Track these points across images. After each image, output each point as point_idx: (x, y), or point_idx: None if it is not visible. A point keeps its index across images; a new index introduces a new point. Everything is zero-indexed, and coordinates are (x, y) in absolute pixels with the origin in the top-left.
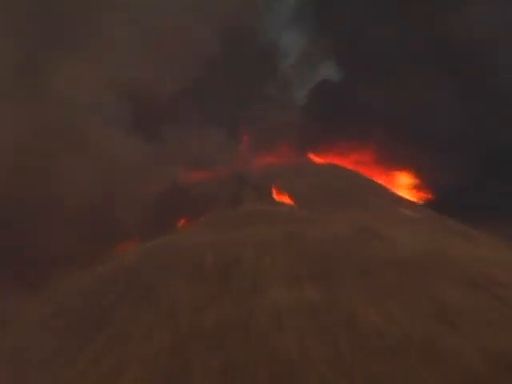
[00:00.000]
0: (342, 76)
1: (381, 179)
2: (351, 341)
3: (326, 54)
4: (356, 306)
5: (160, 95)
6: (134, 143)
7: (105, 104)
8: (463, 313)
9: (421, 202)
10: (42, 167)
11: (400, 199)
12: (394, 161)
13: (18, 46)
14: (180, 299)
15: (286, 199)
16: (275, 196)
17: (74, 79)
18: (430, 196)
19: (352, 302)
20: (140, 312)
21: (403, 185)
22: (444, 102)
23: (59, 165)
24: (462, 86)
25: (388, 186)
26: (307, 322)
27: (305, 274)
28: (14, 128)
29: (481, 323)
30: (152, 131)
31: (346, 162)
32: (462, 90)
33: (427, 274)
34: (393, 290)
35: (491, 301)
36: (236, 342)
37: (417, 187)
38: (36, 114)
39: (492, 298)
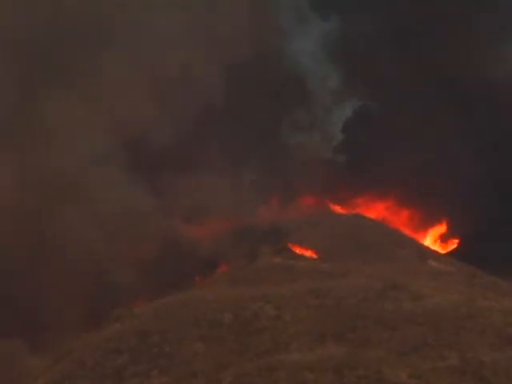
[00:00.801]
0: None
1: (407, 230)
2: None
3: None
4: (382, 362)
5: (163, 138)
6: (136, 194)
7: (104, 150)
8: (493, 368)
9: (448, 253)
10: (42, 219)
11: (427, 250)
12: (421, 211)
13: (16, 86)
14: (197, 358)
15: (307, 252)
16: (295, 249)
17: (72, 122)
18: (458, 247)
19: (377, 358)
20: (155, 372)
21: (430, 235)
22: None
23: (58, 217)
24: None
25: (415, 237)
26: (332, 379)
27: (328, 331)
28: (12, 178)
29: (511, 378)
30: (157, 179)
31: (371, 213)
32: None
33: (455, 329)
34: (419, 345)
35: None
36: None
37: (444, 237)
38: (34, 164)
39: None
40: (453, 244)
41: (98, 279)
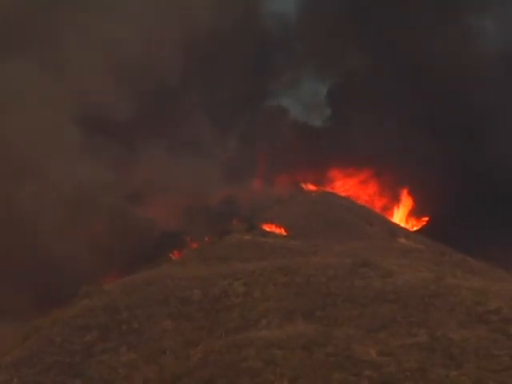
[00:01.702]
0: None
1: (377, 207)
2: (346, 374)
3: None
4: (351, 340)
5: (122, 113)
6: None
7: (57, 124)
8: (462, 345)
9: (418, 230)
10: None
11: (397, 228)
12: (391, 189)
13: None
14: (166, 334)
15: (277, 230)
16: (265, 226)
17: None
18: (427, 224)
19: (347, 336)
20: (123, 348)
21: (400, 213)
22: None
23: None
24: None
25: (385, 215)
26: (301, 356)
27: (297, 308)
28: None
29: (479, 356)
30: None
31: (340, 189)
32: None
33: (424, 306)
34: (388, 323)
35: (491, 333)
36: (225, 379)
37: (414, 215)
38: None
39: (492, 331)
40: (422, 222)
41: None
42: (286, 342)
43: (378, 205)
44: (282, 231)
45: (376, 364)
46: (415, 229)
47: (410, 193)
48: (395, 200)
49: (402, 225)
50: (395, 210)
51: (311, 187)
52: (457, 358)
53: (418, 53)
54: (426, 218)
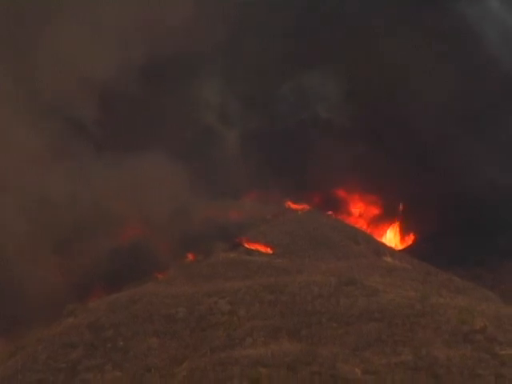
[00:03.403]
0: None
1: (363, 226)
2: None
3: None
4: (336, 358)
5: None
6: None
7: None
8: (446, 364)
9: (404, 249)
10: None
11: (382, 246)
12: (377, 207)
13: None
14: (151, 352)
15: (262, 248)
16: (250, 244)
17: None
18: (413, 243)
19: (332, 354)
20: (108, 366)
21: (386, 232)
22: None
23: None
24: None
25: (370, 233)
26: (286, 375)
27: (283, 327)
28: None
29: (464, 375)
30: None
31: (326, 208)
32: None
33: (409, 325)
34: (374, 341)
35: (476, 352)
36: None
37: (400, 234)
38: None
39: (478, 350)
40: (408, 241)
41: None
42: (271, 360)
43: (363, 223)
44: (267, 249)
45: (361, 383)
46: (401, 247)
47: (397, 212)
48: (381, 219)
49: (388, 243)
50: (383, 230)
51: (296, 205)
52: (442, 377)
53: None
54: (412, 237)
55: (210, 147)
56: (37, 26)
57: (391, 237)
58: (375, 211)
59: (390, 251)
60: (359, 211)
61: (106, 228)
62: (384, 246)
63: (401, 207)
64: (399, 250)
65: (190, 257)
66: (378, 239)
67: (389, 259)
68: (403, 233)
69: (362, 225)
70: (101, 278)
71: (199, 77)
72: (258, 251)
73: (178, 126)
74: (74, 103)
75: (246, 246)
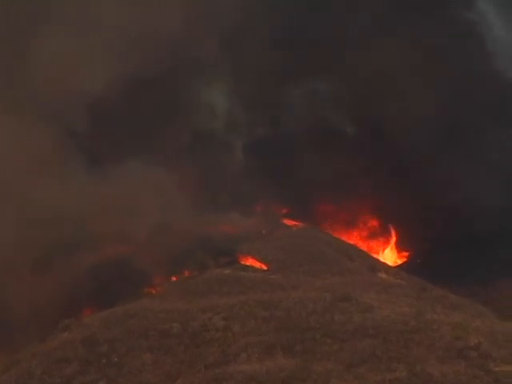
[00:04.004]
0: None
1: (358, 242)
2: None
3: None
4: (330, 374)
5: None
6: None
7: None
8: (441, 380)
9: (398, 265)
10: None
11: (377, 263)
12: (371, 224)
13: None
14: (146, 368)
15: (257, 264)
16: (245, 260)
17: None
18: (408, 260)
19: (326, 370)
20: (103, 382)
21: (381, 248)
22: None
23: None
24: None
25: (365, 250)
26: None
27: (277, 343)
28: None
29: None
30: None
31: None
32: None
33: (404, 341)
34: (368, 357)
35: (470, 369)
36: None
37: (394, 250)
38: None
39: (472, 367)
40: (403, 257)
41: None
42: (266, 376)
43: (358, 240)
44: (262, 265)
45: None
46: (396, 264)
47: (392, 228)
48: (376, 235)
49: (383, 260)
50: (377, 247)
51: (291, 221)
52: None
53: None
54: (407, 254)
55: (207, 157)
56: (25, 34)
57: (386, 253)
58: (370, 228)
59: (385, 267)
60: (354, 227)
61: (91, 243)
62: (379, 262)
63: (394, 224)
64: (394, 267)
65: (185, 273)
66: (373, 255)
67: (383, 275)
68: (398, 249)
69: (356, 241)
70: (87, 294)
71: (189, 82)
72: (252, 267)
73: (171, 134)
74: (62, 112)
75: (241, 261)
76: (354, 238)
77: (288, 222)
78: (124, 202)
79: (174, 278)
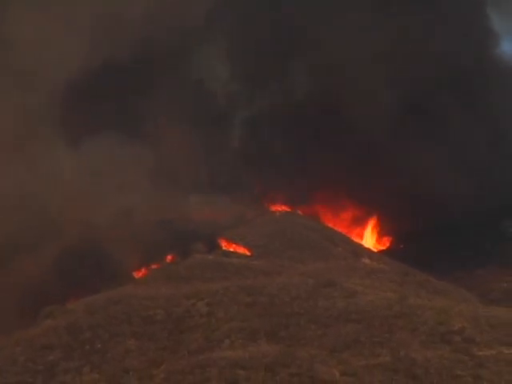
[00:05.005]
0: None
1: (342, 228)
2: None
3: None
4: (314, 360)
5: None
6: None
7: None
8: (425, 365)
9: (382, 251)
10: None
11: (360, 248)
12: (355, 209)
13: None
14: (129, 354)
15: (240, 249)
16: (228, 246)
17: None
18: (391, 245)
19: (310, 356)
20: (87, 368)
21: (364, 234)
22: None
23: None
24: None
25: (348, 235)
26: (264, 377)
27: (261, 329)
28: None
29: (443, 376)
30: None
31: (306, 211)
32: None
33: (387, 326)
34: (352, 343)
35: (454, 353)
36: None
37: (377, 236)
38: None
39: (455, 351)
40: (386, 242)
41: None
42: (250, 362)
43: (341, 225)
44: (245, 251)
45: None
46: (379, 249)
47: (374, 213)
48: (359, 220)
49: (366, 245)
50: (359, 231)
51: (275, 207)
52: (420, 378)
53: None
54: (390, 239)
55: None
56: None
57: (369, 238)
58: (353, 213)
59: (368, 253)
60: (338, 213)
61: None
62: (362, 247)
63: (376, 209)
64: (377, 252)
65: (168, 258)
66: (356, 241)
67: (367, 261)
68: (381, 234)
69: (339, 226)
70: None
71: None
72: (235, 253)
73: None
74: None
75: (224, 247)
76: (337, 224)
77: (270, 206)
78: (91, 187)
79: (156, 264)
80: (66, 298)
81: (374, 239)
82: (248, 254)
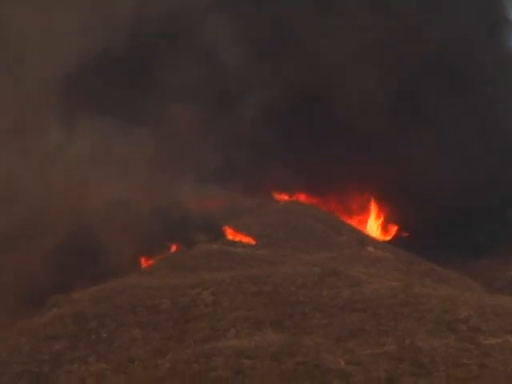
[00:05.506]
0: None
1: (346, 217)
2: (314, 383)
3: None
4: (320, 349)
5: None
6: None
7: None
8: (430, 354)
9: (387, 239)
10: None
11: (366, 237)
12: (360, 198)
13: None
14: (135, 344)
15: (245, 239)
16: (233, 235)
17: None
18: (396, 234)
19: (316, 345)
20: (92, 358)
21: (369, 222)
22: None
23: None
24: None
25: (353, 224)
26: (270, 366)
27: (266, 318)
28: None
29: (448, 364)
30: None
31: (311, 200)
32: None
33: (393, 315)
34: (357, 332)
35: (460, 342)
36: None
37: (383, 224)
38: None
39: (461, 339)
40: (391, 231)
41: None
42: (255, 351)
43: (346, 214)
44: (250, 241)
45: (345, 373)
46: (384, 238)
47: (379, 202)
48: (364, 209)
49: (371, 234)
50: (364, 219)
51: (280, 196)
52: (426, 366)
53: None
54: (395, 227)
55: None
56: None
57: (374, 227)
58: (357, 202)
59: (373, 241)
60: (343, 202)
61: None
62: (367, 236)
63: (380, 197)
64: (382, 241)
65: (174, 248)
66: (361, 230)
67: (372, 249)
68: (386, 223)
69: (344, 215)
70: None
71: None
72: (241, 242)
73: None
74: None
75: (229, 237)
76: (341, 213)
77: (276, 196)
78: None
79: (162, 254)
80: (66, 289)
81: (379, 228)
82: (253, 243)
